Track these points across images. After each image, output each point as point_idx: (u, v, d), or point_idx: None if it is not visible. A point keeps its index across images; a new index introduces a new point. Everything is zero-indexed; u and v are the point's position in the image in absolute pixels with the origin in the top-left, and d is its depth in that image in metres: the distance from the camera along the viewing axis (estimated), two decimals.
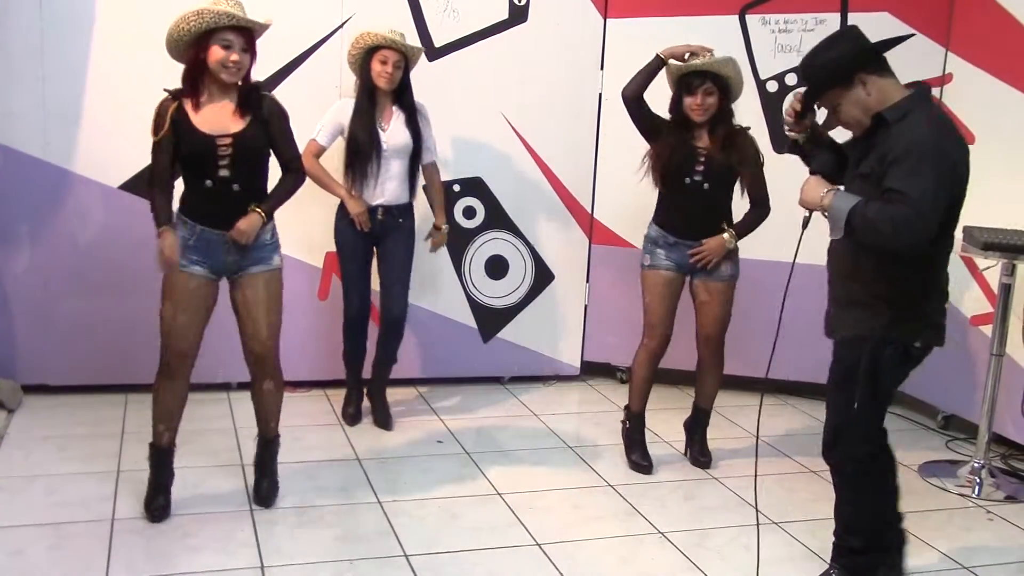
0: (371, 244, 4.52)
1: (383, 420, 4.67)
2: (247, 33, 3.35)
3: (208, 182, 3.39)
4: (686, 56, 4.04)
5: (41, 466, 3.97)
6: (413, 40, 4.89)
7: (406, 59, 4.35)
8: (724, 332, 4.27)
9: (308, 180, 3.84)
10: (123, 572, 3.18)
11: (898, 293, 2.99)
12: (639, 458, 4.30)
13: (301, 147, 3.74)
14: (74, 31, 4.52)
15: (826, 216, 2.94)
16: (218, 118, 3.38)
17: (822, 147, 3.21)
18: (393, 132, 4.39)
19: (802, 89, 3.13)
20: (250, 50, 3.37)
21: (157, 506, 3.55)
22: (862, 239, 2.86)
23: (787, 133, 3.29)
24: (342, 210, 4.46)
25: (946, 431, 5.02)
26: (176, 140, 3.36)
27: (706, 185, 4.09)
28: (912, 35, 2.98)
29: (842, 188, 3.01)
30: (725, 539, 3.66)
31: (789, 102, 3.20)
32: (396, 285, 4.56)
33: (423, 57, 4.93)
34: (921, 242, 2.82)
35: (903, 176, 2.78)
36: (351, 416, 4.68)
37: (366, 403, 4.76)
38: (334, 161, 4.46)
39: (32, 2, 4.44)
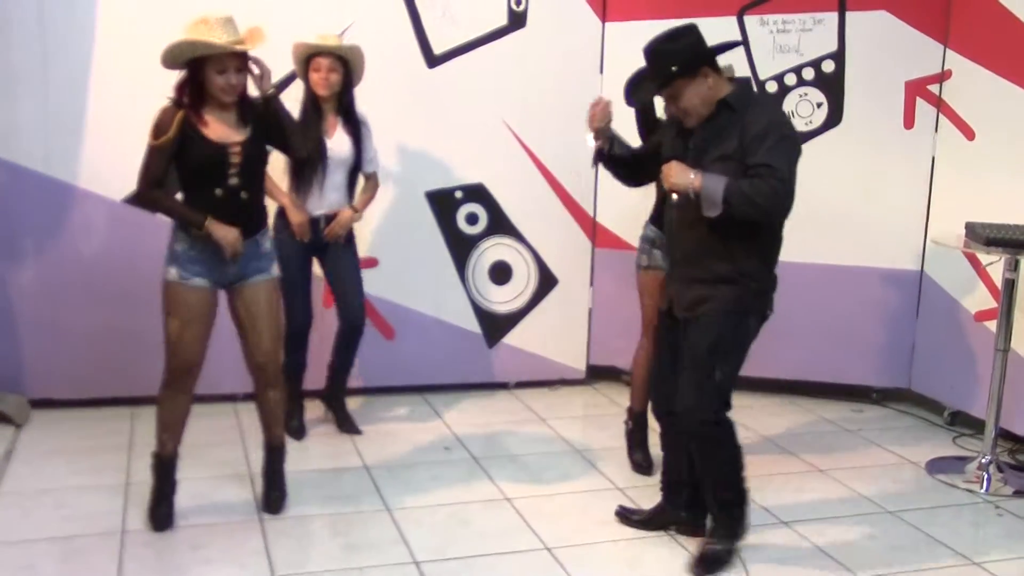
0: (311, 255, 4.47)
1: (350, 426, 4.66)
2: (241, 54, 3.36)
3: (218, 191, 3.40)
4: None
5: (50, 480, 3.98)
6: (412, 48, 4.93)
7: (345, 63, 4.29)
8: None
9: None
10: None
11: (760, 267, 3.26)
12: (641, 459, 4.31)
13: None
14: (74, 46, 4.54)
15: (695, 197, 3.10)
16: (224, 128, 3.41)
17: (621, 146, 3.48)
18: (336, 142, 4.34)
19: (606, 98, 3.34)
20: (244, 68, 3.39)
21: (161, 514, 3.56)
22: (738, 213, 3.04)
23: (592, 143, 3.45)
24: (281, 222, 4.35)
25: (952, 427, 5.02)
26: (181, 149, 3.36)
27: None
28: (740, 43, 3.32)
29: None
30: None
31: (600, 107, 3.38)
32: (352, 293, 4.52)
33: (423, 64, 4.96)
34: (787, 210, 3.11)
35: (768, 152, 3.02)
36: (296, 430, 4.54)
37: (309, 415, 4.71)
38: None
39: (32, 17, 4.46)
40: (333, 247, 4.45)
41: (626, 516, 3.78)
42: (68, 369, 4.73)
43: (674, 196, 3.21)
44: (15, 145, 4.54)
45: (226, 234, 3.39)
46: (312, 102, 4.31)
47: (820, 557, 3.52)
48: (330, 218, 4.39)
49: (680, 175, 3.13)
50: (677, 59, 3.13)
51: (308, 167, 4.28)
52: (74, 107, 4.58)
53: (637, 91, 3.31)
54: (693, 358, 3.30)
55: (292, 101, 4.58)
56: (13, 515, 3.65)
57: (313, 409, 4.75)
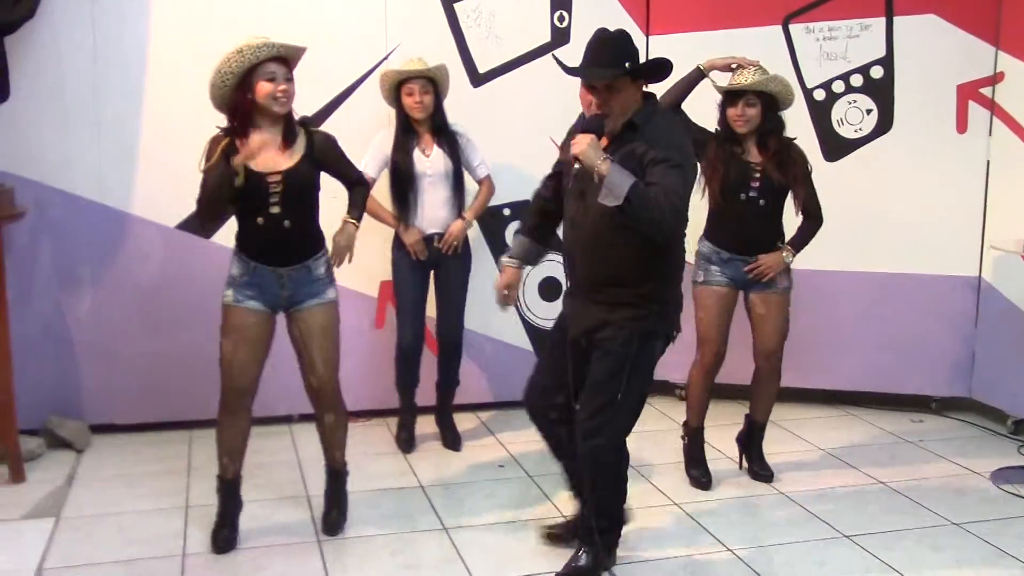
0: (427, 272, 4.59)
1: (452, 442, 4.73)
2: (286, 62, 3.40)
3: (259, 219, 3.43)
4: (732, 65, 4.03)
5: (111, 504, 4.03)
6: (457, 67, 4.95)
7: (434, 83, 4.41)
8: (783, 344, 4.23)
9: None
10: None
11: (662, 291, 3.24)
12: (699, 474, 4.28)
13: None
14: (127, 75, 4.62)
15: (597, 180, 3.02)
16: (268, 155, 3.41)
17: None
18: (435, 159, 4.46)
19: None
20: (292, 78, 3.42)
21: (223, 538, 3.59)
22: (632, 214, 2.96)
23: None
24: (398, 240, 4.53)
25: (1016, 436, 4.92)
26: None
27: (762, 201, 4.07)
28: (669, 63, 3.22)
29: None
30: (795, 554, 3.60)
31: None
32: (452, 312, 4.64)
33: (468, 83, 4.98)
34: (676, 232, 3.16)
35: (665, 173, 3.00)
36: (404, 442, 4.70)
37: (420, 430, 4.79)
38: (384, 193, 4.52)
39: (85, 48, 4.55)
40: (446, 262, 4.57)
41: (555, 535, 3.70)
42: (126, 394, 4.80)
43: (575, 165, 3.14)
44: (70, 175, 4.62)
45: (249, 144, 3.31)
46: (405, 124, 4.44)
47: (885, 571, 3.46)
48: (443, 235, 4.52)
49: (590, 150, 3.02)
50: (634, 58, 3.17)
51: (405, 187, 4.43)
52: (127, 136, 4.66)
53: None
54: (595, 383, 3.26)
55: (347, 120, 4.66)
56: (76, 539, 3.70)
57: (374, 429, 4.77)
